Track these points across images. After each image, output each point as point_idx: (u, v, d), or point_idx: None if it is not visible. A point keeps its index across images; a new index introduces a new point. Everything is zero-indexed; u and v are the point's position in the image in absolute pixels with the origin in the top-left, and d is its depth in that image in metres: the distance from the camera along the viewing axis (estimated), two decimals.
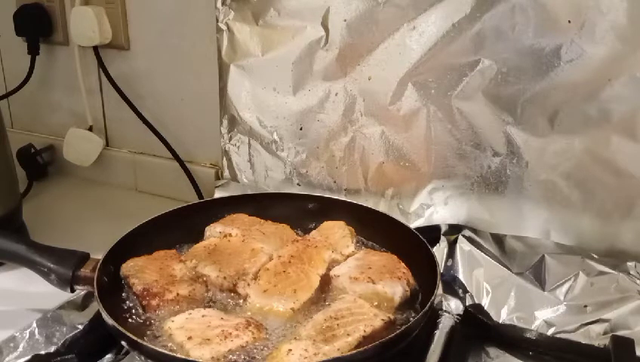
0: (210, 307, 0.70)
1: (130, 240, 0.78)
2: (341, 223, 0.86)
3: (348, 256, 0.80)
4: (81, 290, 0.74)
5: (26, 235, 0.97)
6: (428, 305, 0.66)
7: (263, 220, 0.87)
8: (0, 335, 0.71)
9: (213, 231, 0.84)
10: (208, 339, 0.62)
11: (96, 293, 0.67)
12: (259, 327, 0.65)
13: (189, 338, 0.62)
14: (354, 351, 0.60)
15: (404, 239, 0.81)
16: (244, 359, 0.62)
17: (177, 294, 0.71)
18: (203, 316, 0.66)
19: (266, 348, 0.63)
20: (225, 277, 0.73)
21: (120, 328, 0.62)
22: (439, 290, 0.72)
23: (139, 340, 0.61)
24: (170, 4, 1.06)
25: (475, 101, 0.84)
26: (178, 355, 0.60)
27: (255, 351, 0.63)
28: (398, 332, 0.62)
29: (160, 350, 0.60)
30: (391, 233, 0.84)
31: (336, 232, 0.84)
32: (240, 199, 0.94)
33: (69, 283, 0.72)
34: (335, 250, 0.80)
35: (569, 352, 0.72)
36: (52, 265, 0.73)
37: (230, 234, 0.82)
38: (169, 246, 0.81)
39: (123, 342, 0.63)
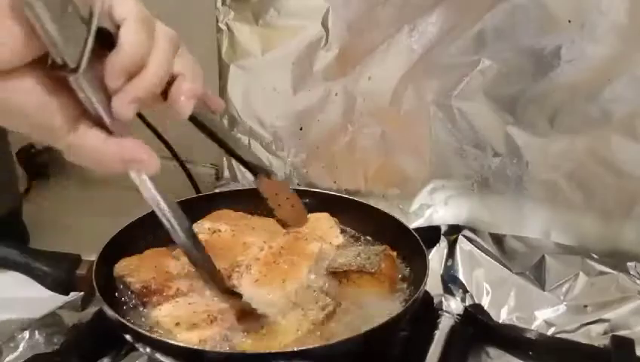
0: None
1: (120, 240, 0.77)
2: (325, 214, 0.85)
3: (338, 247, 0.79)
4: (77, 292, 0.74)
5: (25, 236, 0.97)
6: (414, 297, 0.65)
7: (249, 215, 0.87)
8: (0, 336, 0.71)
9: (202, 228, 0.84)
10: (195, 324, 0.63)
11: (97, 292, 0.67)
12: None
13: (177, 324, 0.63)
14: (337, 341, 0.61)
15: (398, 233, 0.80)
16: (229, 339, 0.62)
17: (177, 289, 0.71)
18: (189, 304, 0.67)
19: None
20: (219, 271, 0.74)
21: (124, 321, 0.63)
22: (428, 278, 0.70)
23: (142, 331, 0.61)
24: (170, 4, 1.06)
25: (475, 101, 0.84)
26: (182, 344, 0.60)
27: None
28: (382, 322, 0.62)
29: (165, 340, 0.61)
30: (385, 226, 0.82)
31: (323, 224, 0.84)
32: (232, 195, 0.93)
33: (66, 286, 0.72)
34: (324, 242, 0.80)
35: (569, 352, 0.72)
36: (47, 269, 0.72)
37: (219, 230, 0.82)
38: (159, 244, 0.80)
39: (127, 336, 0.63)
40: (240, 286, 0.71)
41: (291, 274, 0.72)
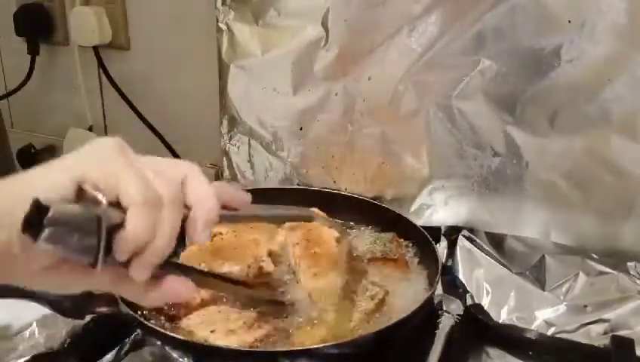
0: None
1: None
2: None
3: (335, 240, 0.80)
4: (98, 313, 0.72)
5: None
6: (427, 296, 0.67)
7: None
8: (0, 336, 0.71)
9: None
10: (232, 331, 0.62)
11: (121, 303, 0.65)
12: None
13: (213, 331, 0.62)
14: (349, 339, 0.61)
15: (401, 228, 0.82)
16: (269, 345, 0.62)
17: (202, 299, 0.70)
18: (219, 311, 0.66)
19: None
20: (249, 266, 0.74)
21: (147, 323, 0.63)
22: (438, 277, 0.72)
23: (170, 333, 0.61)
24: (170, 4, 1.06)
25: (475, 101, 0.84)
26: (214, 343, 0.60)
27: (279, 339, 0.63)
28: (391, 324, 0.63)
29: (197, 341, 0.61)
30: (388, 222, 0.84)
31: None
32: None
33: (83, 310, 0.70)
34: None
35: (569, 352, 0.72)
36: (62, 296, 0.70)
37: (220, 233, 0.82)
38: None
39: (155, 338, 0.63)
40: (301, 286, 0.71)
41: (335, 258, 0.74)
